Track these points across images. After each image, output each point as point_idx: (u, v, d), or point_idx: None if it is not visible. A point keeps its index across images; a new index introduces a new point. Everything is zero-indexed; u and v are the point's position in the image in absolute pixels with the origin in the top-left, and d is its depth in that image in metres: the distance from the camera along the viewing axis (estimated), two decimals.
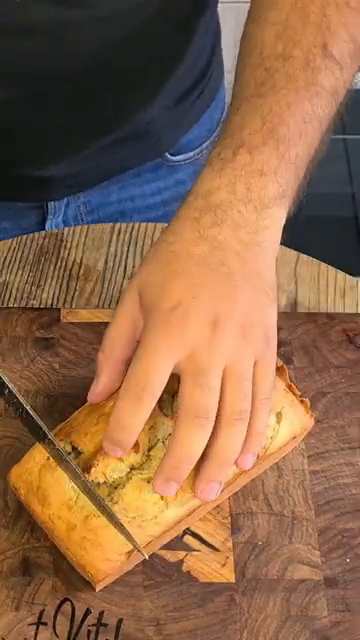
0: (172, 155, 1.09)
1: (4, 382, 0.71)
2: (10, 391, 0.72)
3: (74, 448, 0.72)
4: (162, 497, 0.71)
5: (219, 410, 0.68)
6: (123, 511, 0.70)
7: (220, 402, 0.68)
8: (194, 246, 0.71)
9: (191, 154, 1.10)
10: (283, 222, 0.74)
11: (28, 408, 0.72)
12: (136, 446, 0.71)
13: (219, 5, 1.03)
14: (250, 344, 0.70)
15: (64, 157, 0.99)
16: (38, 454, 0.73)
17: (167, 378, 0.68)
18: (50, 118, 0.93)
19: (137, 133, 1.01)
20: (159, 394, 0.68)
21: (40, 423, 0.71)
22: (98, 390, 0.72)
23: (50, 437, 0.71)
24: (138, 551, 0.70)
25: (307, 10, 0.78)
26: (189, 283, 0.69)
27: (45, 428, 0.71)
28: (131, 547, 0.70)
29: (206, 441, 0.68)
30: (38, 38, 0.85)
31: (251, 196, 0.72)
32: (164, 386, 0.68)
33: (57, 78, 0.89)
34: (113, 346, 0.71)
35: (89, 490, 0.70)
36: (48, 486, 0.71)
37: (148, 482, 0.71)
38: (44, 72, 0.88)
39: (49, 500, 0.71)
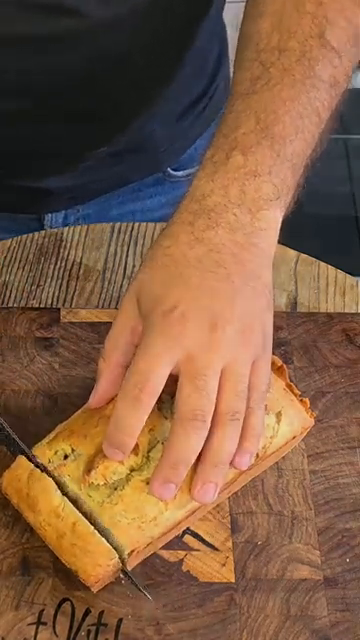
0: (174, 170, 1.08)
1: None
2: None
3: (73, 450, 0.72)
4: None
5: (214, 410, 0.68)
6: (123, 512, 0.70)
7: (216, 402, 0.68)
8: (190, 249, 0.70)
9: (194, 169, 1.09)
10: (280, 223, 0.73)
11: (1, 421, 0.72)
12: (136, 448, 0.71)
13: (226, 5, 1.01)
14: (248, 346, 0.69)
15: (62, 169, 0.99)
16: (25, 460, 0.73)
17: (165, 379, 0.68)
18: (48, 129, 0.93)
19: (137, 146, 1.00)
20: (157, 395, 0.68)
21: (16, 439, 0.73)
22: (98, 395, 0.72)
23: (27, 451, 0.72)
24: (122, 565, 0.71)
25: (302, 0, 0.77)
26: (187, 285, 0.69)
27: (21, 444, 0.73)
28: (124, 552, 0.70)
29: (202, 442, 0.68)
30: (35, 48, 0.84)
31: (245, 198, 0.71)
32: (162, 387, 0.68)
33: (54, 89, 0.88)
34: (112, 352, 0.71)
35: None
36: (36, 493, 0.72)
37: (148, 484, 0.71)
38: (41, 83, 0.88)
39: (38, 507, 0.71)
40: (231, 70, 1.07)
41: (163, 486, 0.68)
